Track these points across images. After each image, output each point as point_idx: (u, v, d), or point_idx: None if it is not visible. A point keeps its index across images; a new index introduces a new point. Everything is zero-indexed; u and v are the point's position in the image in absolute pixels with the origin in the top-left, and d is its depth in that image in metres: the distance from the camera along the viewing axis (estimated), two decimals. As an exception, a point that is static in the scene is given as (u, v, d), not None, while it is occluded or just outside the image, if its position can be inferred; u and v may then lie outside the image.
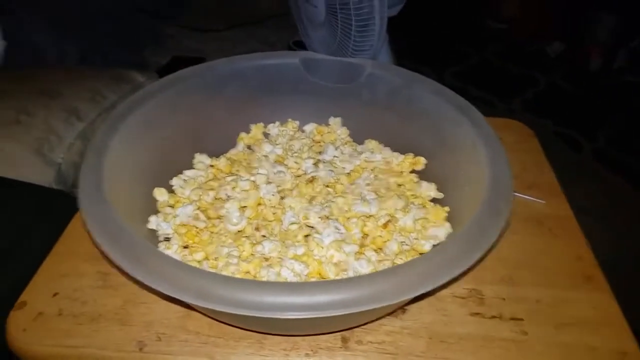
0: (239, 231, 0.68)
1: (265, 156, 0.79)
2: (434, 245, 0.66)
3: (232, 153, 0.83)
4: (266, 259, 0.61)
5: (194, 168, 0.78)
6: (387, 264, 0.62)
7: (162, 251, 0.60)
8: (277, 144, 0.83)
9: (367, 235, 0.67)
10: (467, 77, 2.76)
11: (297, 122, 0.88)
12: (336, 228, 0.64)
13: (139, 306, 0.65)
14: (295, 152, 0.81)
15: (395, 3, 0.93)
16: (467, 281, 0.68)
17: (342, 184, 0.74)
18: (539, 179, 0.86)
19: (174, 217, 0.69)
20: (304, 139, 0.85)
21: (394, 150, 0.82)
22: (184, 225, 0.68)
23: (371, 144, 0.83)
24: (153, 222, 0.69)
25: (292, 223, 0.66)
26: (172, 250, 0.65)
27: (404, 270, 0.48)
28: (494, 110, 2.46)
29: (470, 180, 0.65)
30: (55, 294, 0.66)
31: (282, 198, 0.72)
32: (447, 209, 0.70)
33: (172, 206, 0.72)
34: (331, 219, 0.67)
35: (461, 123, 0.69)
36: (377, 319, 0.62)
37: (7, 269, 0.87)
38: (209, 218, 0.69)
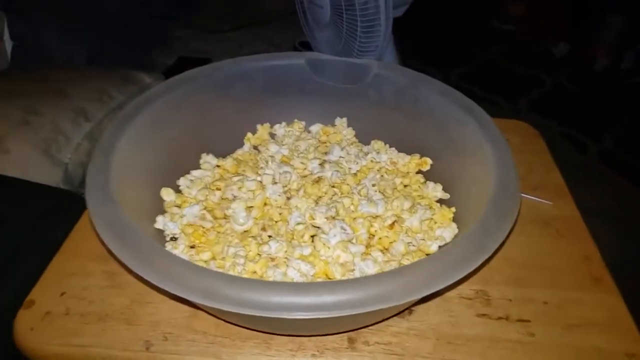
0: (245, 231, 0.68)
1: (272, 156, 0.80)
2: (440, 246, 0.66)
3: (238, 153, 0.83)
4: (272, 259, 0.61)
5: (200, 168, 0.79)
6: (393, 265, 0.62)
7: (169, 251, 0.60)
8: (283, 145, 0.83)
9: (373, 235, 0.67)
10: (473, 77, 2.75)
11: (303, 123, 0.88)
12: (342, 228, 0.64)
13: (145, 306, 0.65)
14: (302, 153, 0.81)
15: (401, 4, 0.93)
16: (474, 282, 0.68)
17: (348, 184, 0.74)
18: (545, 180, 0.86)
19: (181, 217, 0.69)
20: (310, 139, 0.85)
21: (400, 150, 0.82)
22: (191, 225, 0.68)
23: (377, 144, 0.83)
24: (160, 222, 0.69)
25: (299, 223, 0.66)
26: (179, 250, 0.65)
27: (411, 270, 0.48)
28: (499, 110, 2.46)
29: (476, 181, 0.65)
30: (62, 294, 0.66)
31: (288, 198, 0.72)
32: (453, 209, 0.70)
33: (179, 206, 0.72)
34: (337, 219, 0.67)
35: (467, 124, 0.69)
36: (383, 320, 0.62)
37: (15, 268, 0.87)
38: (215, 218, 0.69)
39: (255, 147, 0.85)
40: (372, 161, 0.80)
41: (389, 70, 0.81)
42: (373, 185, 0.74)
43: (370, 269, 0.61)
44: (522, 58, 2.89)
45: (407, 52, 1.17)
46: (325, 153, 0.81)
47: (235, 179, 0.73)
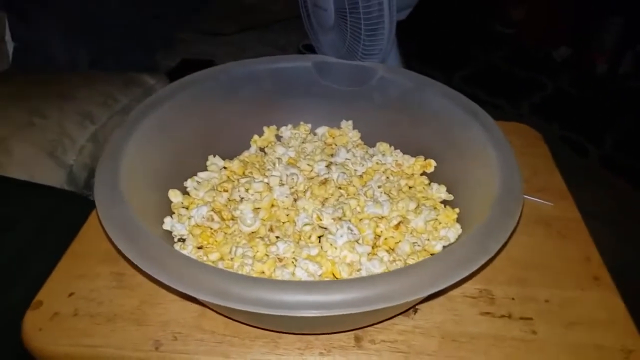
0: (252, 232, 0.68)
1: (279, 158, 0.80)
2: (444, 246, 0.67)
3: (245, 155, 0.84)
4: (280, 260, 0.62)
5: (207, 170, 0.79)
6: (399, 264, 0.63)
7: (180, 251, 0.61)
8: (289, 147, 0.84)
9: (379, 236, 0.68)
10: (475, 80, 2.76)
11: (309, 125, 0.89)
12: (349, 229, 0.64)
13: (155, 306, 0.65)
14: (308, 155, 0.82)
15: (404, 7, 0.94)
16: (478, 281, 0.69)
17: (354, 186, 0.75)
18: (547, 183, 0.87)
19: (189, 218, 0.70)
20: (316, 141, 0.86)
21: (405, 152, 0.83)
22: (199, 226, 0.69)
23: (382, 146, 0.84)
24: (168, 223, 0.70)
25: (306, 224, 0.67)
26: (187, 251, 0.66)
27: (417, 270, 0.49)
28: (501, 113, 2.46)
29: (480, 183, 0.66)
30: (71, 294, 0.67)
31: (295, 200, 0.73)
32: (457, 210, 0.71)
33: (186, 207, 0.73)
34: (344, 220, 0.67)
35: (471, 126, 0.70)
36: (389, 318, 0.63)
37: (23, 269, 0.88)
38: (223, 219, 0.70)
39: (261, 149, 0.86)
40: (377, 163, 0.81)
41: (393, 73, 0.82)
42: (379, 186, 0.75)
43: (377, 268, 0.61)
44: (524, 61, 2.90)
45: (410, 55, 1.17)
46: (332, 155, 0.82)
47: (243, 180, 0.74)
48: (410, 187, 0.78)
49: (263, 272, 0.61)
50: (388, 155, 0.82)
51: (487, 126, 0.69)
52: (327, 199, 0.73)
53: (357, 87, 0.84)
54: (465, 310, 0.65)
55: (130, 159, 0.64)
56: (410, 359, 0.60)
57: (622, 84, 2.68)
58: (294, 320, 0.53)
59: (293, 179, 0.74)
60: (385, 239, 0.67)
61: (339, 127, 0.89)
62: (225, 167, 0.80)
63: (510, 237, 0.53)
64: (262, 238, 0.67)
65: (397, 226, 0.67)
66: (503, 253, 0.71)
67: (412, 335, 0.62)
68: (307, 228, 0.67)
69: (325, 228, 0.67)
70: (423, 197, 0.76)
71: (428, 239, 0.68)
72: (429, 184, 0.79)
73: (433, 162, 0.79)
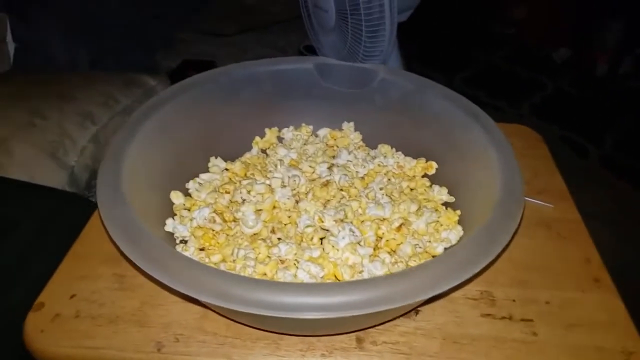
0: (254, 234, 0.69)
1: (280, 160, 0.80)
2: (446, 248, 0.67)
3: (246, 157, 0.84)
4: (282, 262, 0.62)
5: (209, 171, 0.80)
6: (401, 266, 0.63)
7: (182, 253, 0.61)
8: (291, 148, 0.84)
9: (381, 238, 0.68)
10: (475, 81, 2.76)
11: (311, 127, 0.89)
12: (351, 231, 0.65)
13: (156, 308, 0.65)
14: (310, 157, 0.82)
15: (405, 8, 0.94)
16: (479, 283, 0.69)
17: (356, 187, 0.75)
18: (548, 185, 0.87)
19: (191, 219, 0.70)
20: (317, 143, 0.86)
21: (406, 154, 0.83)
22: (201, 227, 0.69)
23: (384, 148, 0.84)
24: (170, 224, 0.70)
25: (308, 226, 0.67)
26: (189, 253, 0.66)
27: (419, 272, 0.49)
28: (501, 113, 2.46)
29: (481, 185, 0.66)
30: (72, 296, 0.67)
31: (297, 201, 0.73)
32: (458, 212, 0.71)
33: (188, 209, 0.73)
34: (346, 222, 0.68)
35: (472, 128, 0.71)
36: (391, 320, 0.63)
37: (24, 270, 0.88)
38: (224, 221, 0.70)
39: (263, 151, 0.86)
40: (379, 165, 0.81)
41: (395, 75, 0.82)
42: (380, 188, 0.75)
43: (379, 270, 0.62)
44: (524, 62, 2.90)
45: (411, 56, 1.18)
46: (333, 157, 0.82)
47: (245, 182, 0.74)
48: (411, 189, 0.78)
49: (265, 274, 0.61)
50: (389, 157, 0.82)
51: (488, 128, 0.69)
52: (328, 200, 0.73)
53: (359, 89, 0.84)
54: (467, 312, 0.66)
55: (133, 161, 0.64)
56: (411, 361, 0.60)
57: (622, 84, 2.68)
58: (296, 322, 0.53)
59: (295, 180, 0.74)
60: (387, 240, 0.67)
61: (340, 129, 0.89)
62: (227, 169, 0.80)
63: (511, 240, 0.54)
64: (264, 240, 0.67)
65: (398, 228, 0.67)
66: (504, 255, 0.71)
67: (413, 337, 0.62)
68: (309, 230, 0.67)
69: (327, 230, 0.67)
70: (424, 199, 0.76)
71: (429, 241, 0.69)
72: (431, 186, 0.79)
73: (434, 164, 0.80)
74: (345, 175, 0.76)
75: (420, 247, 0.67)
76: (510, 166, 0.63)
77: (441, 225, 0.71)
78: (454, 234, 0.68)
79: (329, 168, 0.78)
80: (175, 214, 0.73)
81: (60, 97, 1.35)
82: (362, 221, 0.69)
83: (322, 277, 0.61)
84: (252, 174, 0.77)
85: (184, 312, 0.65)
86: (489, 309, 0.66)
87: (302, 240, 0.67)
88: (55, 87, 1.41)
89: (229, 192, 0.73)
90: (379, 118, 0.85)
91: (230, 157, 0.83)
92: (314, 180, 0.77)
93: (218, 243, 0.68)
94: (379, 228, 0.68)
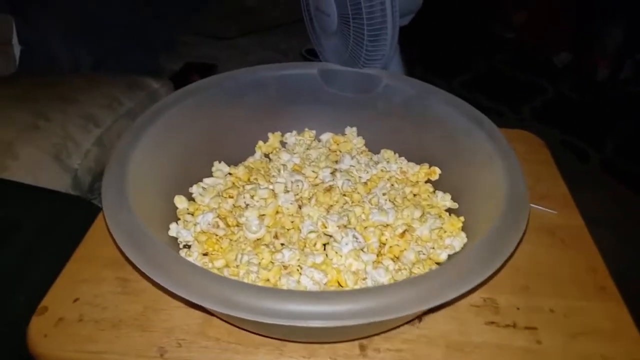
0: (258, 239, 0.68)
1: (284, 165, 0.80)
2: (450, 255, 0.67)
3: (250, 161, 0.84)
4: (285, 267, 0.62)
5: (212, 176, 0.80)
6: (404, 273, 0.63)
7: (185, 258, 0.61)
8: (294, 153, 0.84)
9: (384, 244, 0.68)
10: (476, 85, 2.76)
11: (314, 132, 0.89)
12: (354, 237, 0.65)
13: (159, 312, 0.65)
14: (313, 161, 0.82)
15: (407, 13, 0.94)
16: (483, 291, 0.69)
17: (359, 193, 0.75)
18: (551, 190, 0.87)
19: (194, 224, 0.70)
20: (320, 148, 0.86)
21: (409, 160, 0.83)
22: (204, 232, 0.69)
23: (387, 153, 0.84)
24: (173, 229, 0.70)
25: (311, 232, 0.67)
26: (193, 258, 0.66)
27: (425, 280, 0.49)
28: (502, 118, 2.47)
29: (485, 192, 0.66)
30: (75, 300, 0.67)
31: (300, 207, 0.73)
32: (462, 219, 0.71)
33: (191, 214, 0.73)
34: (349, 228, 0.67)
35: (475, 134, 0.71)
36: (394, 328, 0.63)
37: (27, 274, 0.88)
38: (228, 226, 0.70)
39: (266, 155, 0.86)
40: (382, 170, 0.81)
41: (398, 81, 0.82)
42: (383, 194, 0.75)
43: (382, 277, 0.61)
44: (525, 66, 2.90)
45: (413, 60, 1.18)
46: (336, 162, 0.82)
47: (248, 187, 0.74)
48: (415, 195, 0.78)
49: (268, 280, 0.61)
50: (392, 163, 0.82)
51: (491, 134, 0.70)
52: (332, 206, 0.73)
53: (363, 94, 0.84)
54: (470, 320, 0.65)
55: (137, 165, 0.64)
56: (415, 368, 0.60)
57: (623, 89, 2.68)
58: (299, 329, 0.53)
59: (298, 185, 0.74)
60: (391, 247, 0.67)
61: (343, 134, 0.89)
62: (230, 173, 0.80)
63: (516, 248, 0.53)
64: (267, 245, 0.67)
65: (402, 234, 0.67)
66: (508, 262, 0.70)
67: (417, 344, 0.62)
68: (312, 235, 0.67)
69: (330, 235, 0.67)
70: (428, 205, 0.75)
71: (433, 248, 0.68)
72: (434, 191, 0.78)
73: (438, 170, 0.79)
74: (348, 180, 0.76)
75: (423, 254, 0.67)
76: (514, 173, 0.63)
77: (445, 231, 0.70)
78: (458, 240, 0.68)
79: (332, 173, 0.78)
80: (179, 219, 0.72)
81: (63, 100, 1.35)
82: (366, 227, 0.69)
83: (325, 284, 0.61)
84: (256, 179, 0.77)
85: (186, 317, 0.65)
86: (492, 316, 0.66)
87: (305, 246, 0.67)
88: (59, 89, 1.41)
89: (232, 197, 0.73)
90: (382, 123, 0.85)
91: (233, 162, 0.82)
92: (316, 185, 0.77)
93: (221, 248, 0.68)
94: (382, 234, 0.68)
